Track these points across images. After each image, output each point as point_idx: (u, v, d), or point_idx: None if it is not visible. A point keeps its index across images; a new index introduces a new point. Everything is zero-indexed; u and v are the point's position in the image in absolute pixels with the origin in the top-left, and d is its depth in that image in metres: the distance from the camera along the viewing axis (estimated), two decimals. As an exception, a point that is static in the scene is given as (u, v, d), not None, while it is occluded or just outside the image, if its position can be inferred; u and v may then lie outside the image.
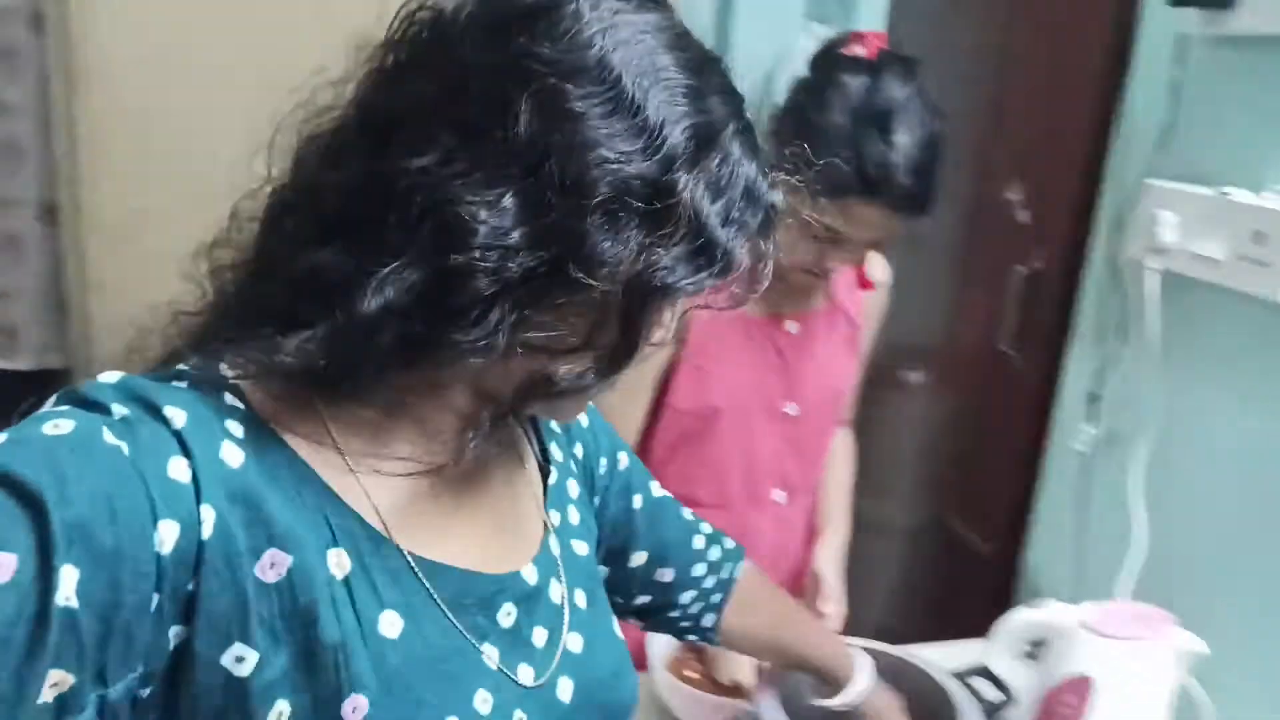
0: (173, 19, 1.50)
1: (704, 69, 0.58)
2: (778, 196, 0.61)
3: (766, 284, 0.63)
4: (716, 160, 0.56)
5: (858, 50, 1.15)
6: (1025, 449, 1.63)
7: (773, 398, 1.33)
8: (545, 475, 0.77)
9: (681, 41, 0.58)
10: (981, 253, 1.79)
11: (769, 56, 2.27)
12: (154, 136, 1.58)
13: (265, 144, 0.59)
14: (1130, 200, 1.34)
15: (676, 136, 0.55)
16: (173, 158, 1.58)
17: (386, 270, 0.53)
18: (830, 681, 0.95)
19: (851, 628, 1.28)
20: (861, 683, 0.94)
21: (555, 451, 0.79)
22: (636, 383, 1.30)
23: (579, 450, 0.82)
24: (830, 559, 1.37)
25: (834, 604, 1.33)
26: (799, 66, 1.21)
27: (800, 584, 1.42)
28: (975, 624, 1.22)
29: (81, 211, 1.68)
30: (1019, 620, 1.10)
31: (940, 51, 1.84)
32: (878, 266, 1.40)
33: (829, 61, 1.16)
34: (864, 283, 1.35)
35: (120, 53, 1.56)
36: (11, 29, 1.97)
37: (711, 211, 0.56)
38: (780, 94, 1.25)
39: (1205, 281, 1.22)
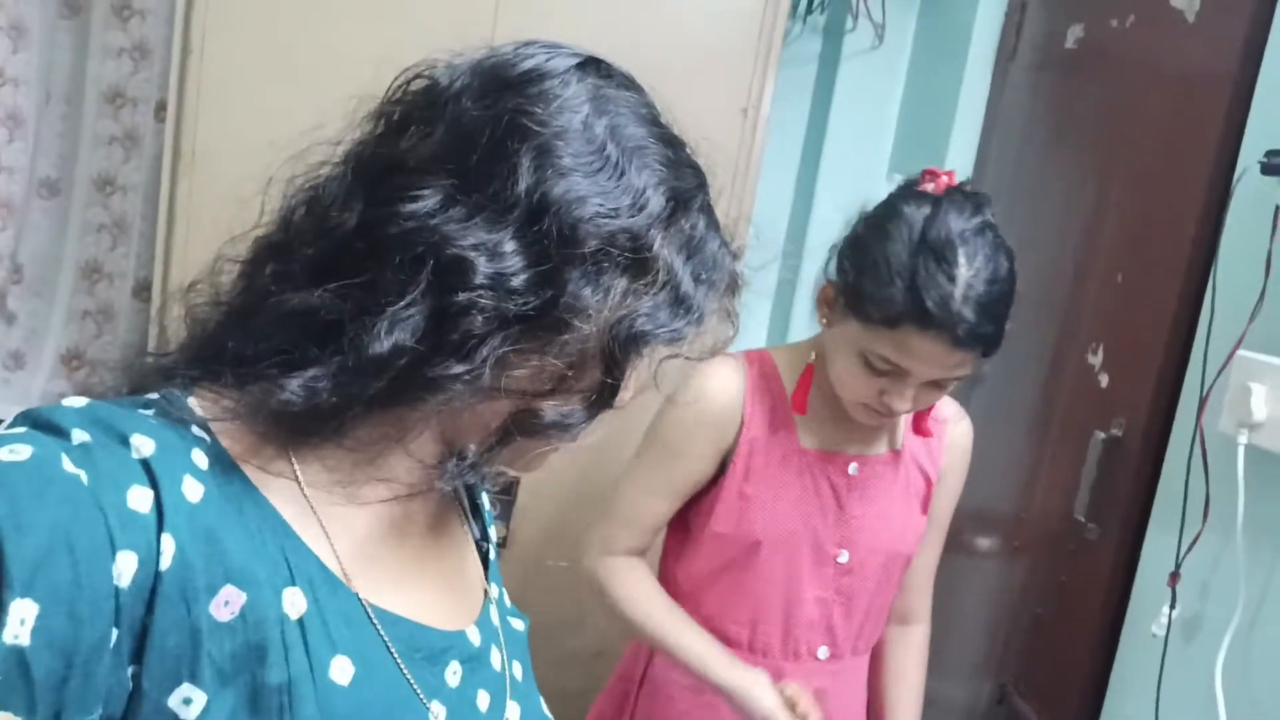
0: (278, 111, 1.59)
1: (676, 144, 0.64)
2: (739, 266, 0.67)
3: (734, 338, 0.69)
4: (688, 224, 0.62)
5: (928, 186, 1.14)
6: (1099, 629, 1.51)
7: (822, 540, 1.27)
8: (483, 553, 0.78)
9: (656, 119, 0.64)
10: (1058, 416, 1.72)
11: (853, 206, 2.31)
12: (247, 223, 1.65)
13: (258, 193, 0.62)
14: (1220, 371, 1.28)
15: (656, 198, 0.60)
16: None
17: (394, 309, 0.55)
18: None
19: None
20: None
21: (491, 531, 0.80)
22: (661, 484, 1.29)
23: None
24: None
25: None
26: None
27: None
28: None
29: (169, 289, 1.75)
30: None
31: (1026, 208, 1.84)
32: (951, 415, 1.35)
33: (895, 195, 1.16)
34: (920, 428, 1.30)
35: (225, 140, 1.64)
36: (138, 116, 2.12)
37: (685, 268, 0.61)
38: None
39: (1299, 460, 1.14)
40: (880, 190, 2.15)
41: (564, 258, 0.56)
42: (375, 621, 0.60)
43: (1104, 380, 1.57)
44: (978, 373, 1.15)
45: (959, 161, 2.08)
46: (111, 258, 2.18)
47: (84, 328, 2.18)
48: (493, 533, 0.81)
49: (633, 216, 0.58)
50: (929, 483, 1.34)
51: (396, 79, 0.62)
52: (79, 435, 0.51)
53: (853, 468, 1.27)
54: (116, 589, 0.48)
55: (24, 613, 0.45)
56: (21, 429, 0.51)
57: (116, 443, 0.51)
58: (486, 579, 0.77)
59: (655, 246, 0.59)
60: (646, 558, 1.34)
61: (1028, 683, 1.72)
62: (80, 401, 0.54)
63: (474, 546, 0.78)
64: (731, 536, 1.25)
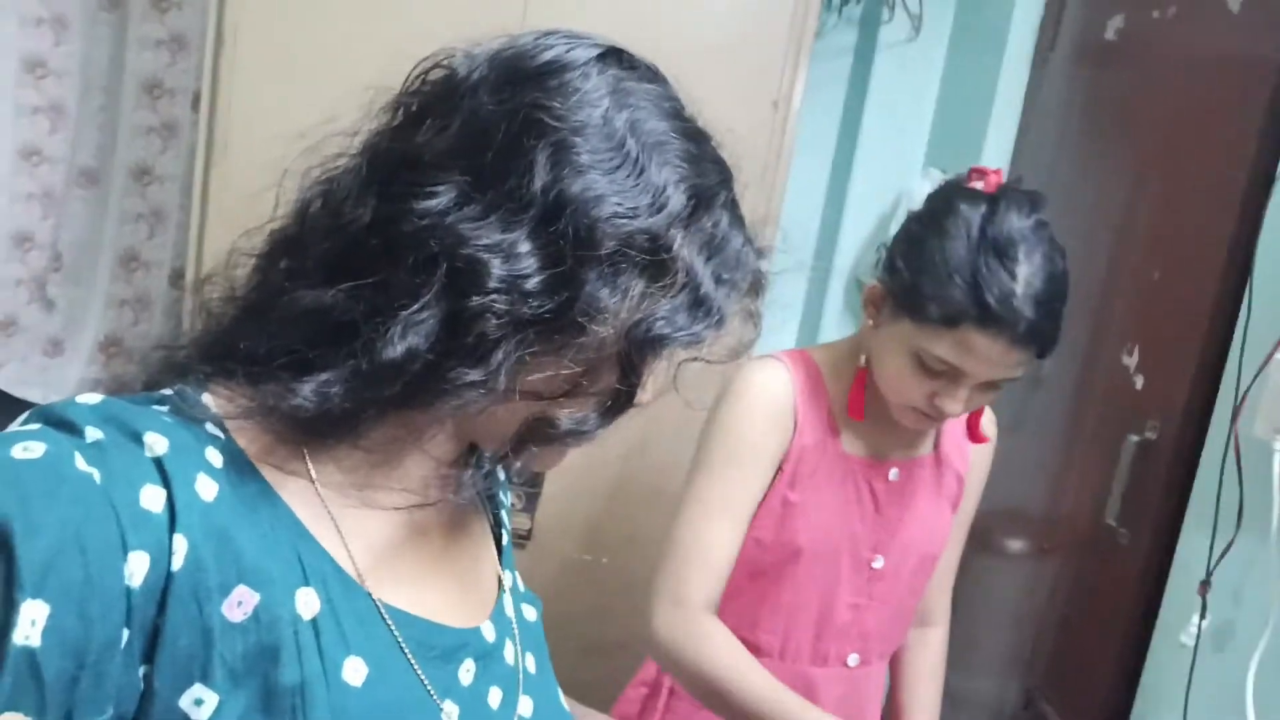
0: (310, 103, 1.59)
1: (699, 139, 0.61)
2: (764, 264, 0.64)
3: (756, 340, 0.67)
4: (710, 223, 0.60)
5: (977, 184, 1.11)
6: (1128, 636, 1.48)
7: (860, 547, 1.23)
8: (497, 537, 0.77)
9: (679, 113, 0.62)
10: (1091, 417, 1.68)
11: (887, 201, 2.28)
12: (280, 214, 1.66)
13: (273, 185, 0.61)
14: (1257, 373, 1.24)
15: (677, 197, 0.58)
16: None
17: (408, 313, 0.53)
18: None
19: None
20: None
21: (504, 515, 0.79)
22: (728, 504, 1.19)
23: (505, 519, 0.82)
24: None
25: None
26: (916, 206, 1.18)
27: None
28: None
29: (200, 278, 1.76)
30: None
31: (1063, 203, 1.80)
32: (989, 422, 1.32)
33: (947, 193, 1.13)
34: (976, 435, 1.26)
35: (257, 131, 1.65)
36: (176, 106, 2.14)
37: (706, 269, 0.59)
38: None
39: (1338, 467, 1.10)
40: (916, 185, 2.12)
41: (580, 259, 0.55)
42: (389, 621, 0.59)
43: (1139, 382, 1.54)
44: (1036, 374, 1.11)
45: (996, 155, 2.04)
46: (149, 246, 2.21)
47: (122, 315, 2.22)
48: (506, 517, 0.81)
49: (652, 216, 0.57)
50: (961, 484, 1.31)
51: (414, 69, 0.61)
52: (92, 433, 0.50)
53: (893, 473, 1.24)
54: (128, 589, 0.48)
55: (35, 613, 0.44)
56: (35, 426, 0.51)
57: (130, 441, 0.51)
58: (501, 566, 0.76)
59: (675, 247, 0.58)
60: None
61: (1054, 687, 1.68)
62: (94, 398, 0.53)
63: (489, 534, 0.77)
64: (771, 543, 1.21)
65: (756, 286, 0.64)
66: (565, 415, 0.59)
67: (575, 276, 0.55)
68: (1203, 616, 1.27)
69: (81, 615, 0.46)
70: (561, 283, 0.55)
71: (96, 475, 0.48)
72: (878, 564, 1.24)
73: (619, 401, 0.60)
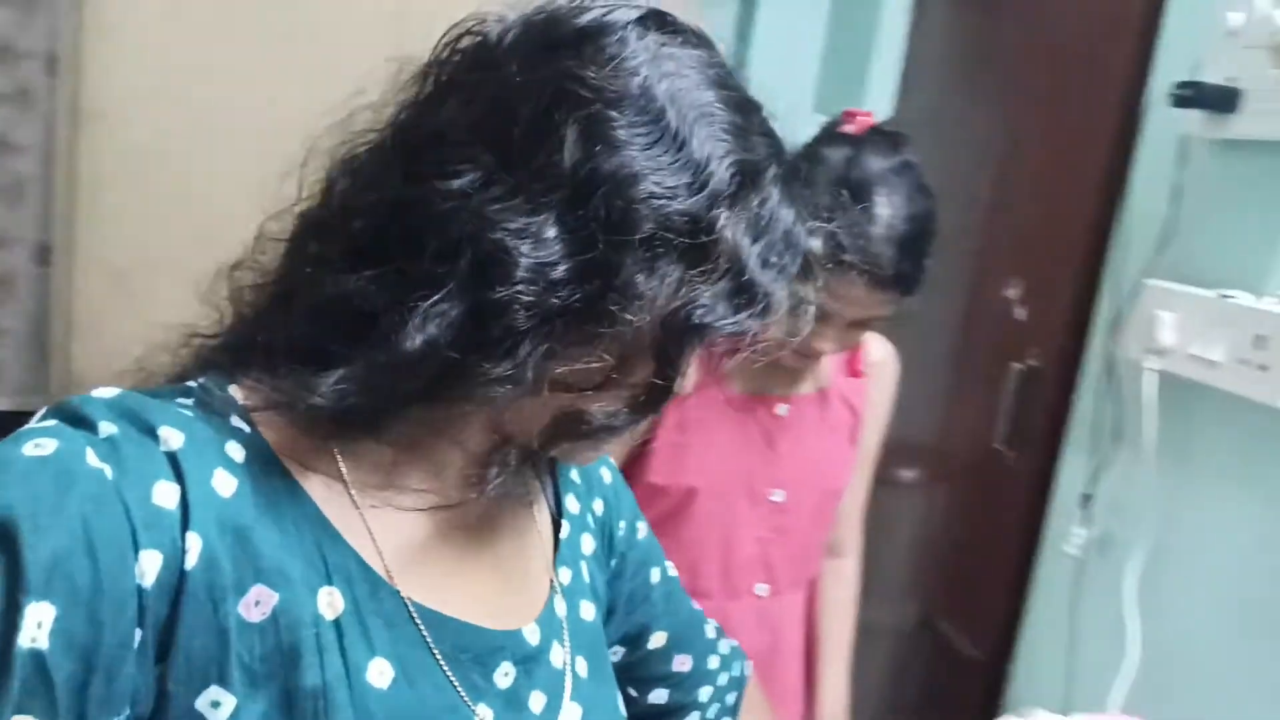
0: (183, 63, 1.51)
1: (747, 109, 0.56)
2: (816, 244, 0.59)
3: (808, 329, 0.64)
4: (757, 201, 0.55)
5: (848, 128, 1.14)
6: (1017, 551, 1.58)
7: (756, 482, 1.28)
8: (557, 529, 0.72)
9: (727, 80, 0.56)
10: (977, 349, 1.76)
11: (776, 147, 2.31)
12: (155, 180, 1.58)
13: (289, 170, 0.57)
14: (1129, 300, 1.32)
15: (721, 174, 0.53)
16: (172, 203, 1.57)
17: (428, 304, 0.50)
18: None
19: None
20: None
21: (571, 504, 0.74)
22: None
23: (598, 506, 0.77)
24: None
25: None
26: (800, 154, 1.21)
27: (782, 693, 1.35)
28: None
29: (75, 253, 1.67)
30: (1003, 728, 1.04)
31: (942, 147, 1.86)
32: (881, 354, 1.37)
33: (818, 137, 1.15)
34: (852, 370, 1.31)
35: (128, 94, 1.56)
36: (29, 70, 2.00)
37: (752, 252, 0.54)
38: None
39: (1204, 384, 1.19)
40: (807, 130, 2.16)
41: (613, 244, 0.50)
42: (418, 621, 0.56)
43: (1021, 314, 1.62)
44: (903, 312, 1.16)
45: (880, 98, 2.09)
46: (9, 220, 2.07)
47: (-16, 296, 2.08)
48: (574, 499, 0.74)
49: (693, 196, 0.52)
50: (856, 416, 1.36)
51: (444, 36, 0.56)
52: (106, 428, 0.48)
53: (781, 409, 1.28)
54: (140, 588, 0.46)
55: (41, 615, 0.43)
56: (51, 422, 0.48)
57: (144, 435, 0.49)
58: (556, 563, 0.70)
59: (718, 228, 0.52)
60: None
61: (951, 606, 1.78)
62: (111, 392, 0.51)
63: (545, 528, 0.71)
64: (667, 486, 1.25)
65: (807, 270, 0.59)
66: (598, 409, 0.56)
67: (608, 262, 0.50)
68: (1086, 528, 1.37)
69: (90, 616, 0.44)
70: (593, 269, 0.50)
71: (108, 471, 0.46)
72: (777, 497, 1.29)
73: (655, 395, 0.56)
